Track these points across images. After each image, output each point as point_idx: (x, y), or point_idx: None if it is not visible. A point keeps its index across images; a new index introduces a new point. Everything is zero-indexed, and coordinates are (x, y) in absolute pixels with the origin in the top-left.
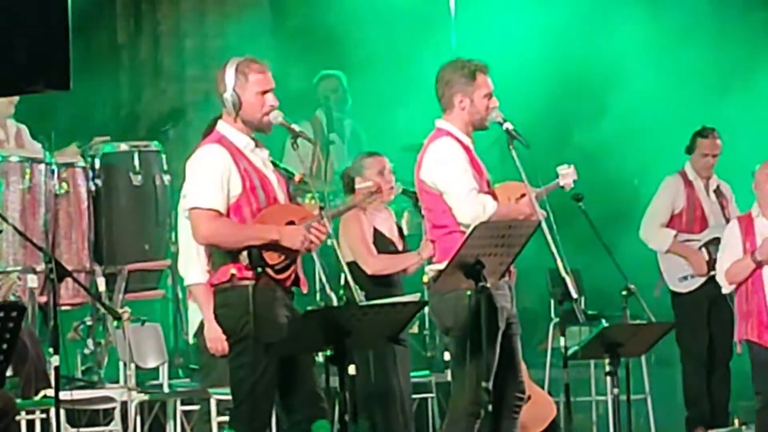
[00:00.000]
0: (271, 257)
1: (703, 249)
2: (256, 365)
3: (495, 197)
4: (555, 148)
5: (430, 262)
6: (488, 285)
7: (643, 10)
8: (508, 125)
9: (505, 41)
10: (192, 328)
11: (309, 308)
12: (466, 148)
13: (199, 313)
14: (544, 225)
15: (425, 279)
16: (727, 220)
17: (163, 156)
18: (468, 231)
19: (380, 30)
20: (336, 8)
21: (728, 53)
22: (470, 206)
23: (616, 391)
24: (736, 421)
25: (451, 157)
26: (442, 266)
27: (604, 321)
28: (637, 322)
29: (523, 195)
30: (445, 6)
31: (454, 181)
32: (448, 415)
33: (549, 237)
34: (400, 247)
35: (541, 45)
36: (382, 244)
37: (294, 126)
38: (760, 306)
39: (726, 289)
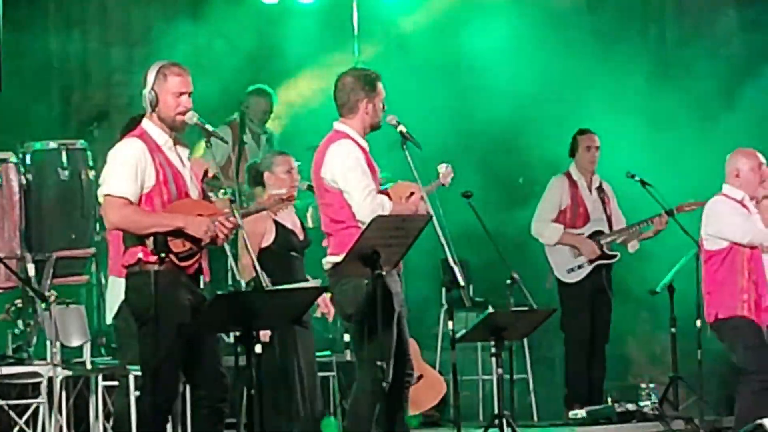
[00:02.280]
0: (176, 245)
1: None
2: (162, 345)
3: (389, 196)
4: (448, 150)
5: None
6: (384, 273)
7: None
8: (402, 128)
9: (401, 53)
10: (111, 312)
11: (219, 292)
12: (363, 150)
13: (117, 298)
14: (435, 220)
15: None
16: (608, 216)
17: (89, 153)
18: (366, 224)
19: (294, 45)
20: (252, 19)
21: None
22: (370, 206)
23: (500, 371)
24: (609, 399)
25: (353, 159)
26: (337, 258)
27: (490, 307)
28: (520, 308)
29: (411, 194)
30: (348, 21)
31: (356, 182)
32: (352, 394)
33: (439, 230)
34: (301, 238)
35: (431, 54)
36: (284, 235)
37: (208, 126)
38: (759, 285)
39: None
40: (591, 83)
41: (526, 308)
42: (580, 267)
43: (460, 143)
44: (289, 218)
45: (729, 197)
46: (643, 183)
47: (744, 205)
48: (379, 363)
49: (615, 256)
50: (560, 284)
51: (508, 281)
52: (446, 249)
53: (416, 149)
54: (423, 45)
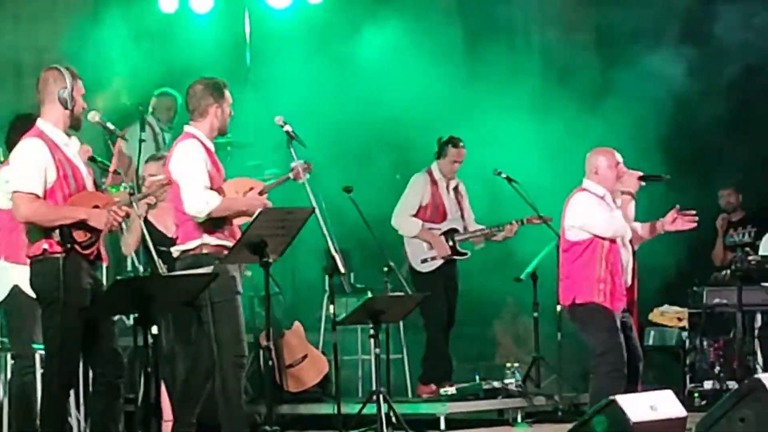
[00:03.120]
0: (79, 235)
1: (443, 237)
2: (65, 326)
3: (222, 192)
4: (336, 148)
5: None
6: (271, 260)
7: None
8: (288, 128)
9: (292, 62)
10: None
11: (118, 277)
12: (207, 150)
13: (6, 284)
14: (318, 212)
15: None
16: (462, 214)
17: (1, 150)
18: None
19: (192, 56)
20: (153, 28)
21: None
22: (195, 200)
23: (377, 350)
24: (477, 377)
25: (193, 156)
26: (184, 246)
27: (369, 293)
28: (396, 294)
29: (251, 188)
30: (241, 32)
31: (190, 176)
32: (217, 370)
33: (322, 222)
34: (170, 235)
35: (324, 58)
36: (154, 234)
37: (108, 124)
38: (614, 275)
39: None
40: (481, 84)
41: (401, 294)
42: (433, 258)
43: (349, 142)
44: (161, 215)
45: (590, 192)
46: (509, 179)
47: (606, 202)
48: (266, 343)
49: (465, 254)
50: (414, 273)
51: (385, 269)
52: (328, 239)
53: (301, 147)
54: (315, 50)
